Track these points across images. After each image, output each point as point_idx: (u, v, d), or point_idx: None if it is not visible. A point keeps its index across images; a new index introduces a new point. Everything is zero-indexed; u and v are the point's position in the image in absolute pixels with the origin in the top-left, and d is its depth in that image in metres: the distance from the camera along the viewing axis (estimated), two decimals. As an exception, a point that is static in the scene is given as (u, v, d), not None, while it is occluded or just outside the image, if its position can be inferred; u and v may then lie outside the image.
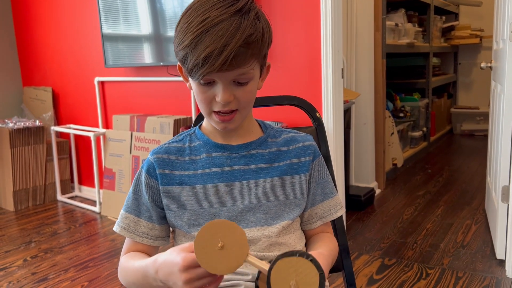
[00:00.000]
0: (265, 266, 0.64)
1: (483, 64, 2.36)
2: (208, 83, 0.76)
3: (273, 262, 0.63)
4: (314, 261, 0.63)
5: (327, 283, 0.91)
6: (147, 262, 0.75)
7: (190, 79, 0.79)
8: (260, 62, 0.78)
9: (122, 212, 0.86)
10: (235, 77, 0.75)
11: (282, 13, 2.22)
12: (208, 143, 0.85)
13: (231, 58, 0.70)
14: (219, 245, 0.63)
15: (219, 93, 0.75)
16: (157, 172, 0.83)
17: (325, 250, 0.82)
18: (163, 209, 0.85)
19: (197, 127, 0.89)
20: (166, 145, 0.86)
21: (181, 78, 2.60)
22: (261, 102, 1.08)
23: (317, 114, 1.09)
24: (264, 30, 0.75)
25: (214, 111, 0.78)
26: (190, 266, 0.65)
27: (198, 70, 0.72)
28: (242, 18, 0.72)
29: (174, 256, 0.68)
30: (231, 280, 0.82)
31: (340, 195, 2.26)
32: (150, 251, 0.86)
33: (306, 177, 0.86)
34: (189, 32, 0.72)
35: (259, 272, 0.68)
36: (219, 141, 0.85)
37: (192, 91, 2.51)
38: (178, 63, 0.82)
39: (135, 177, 0.86)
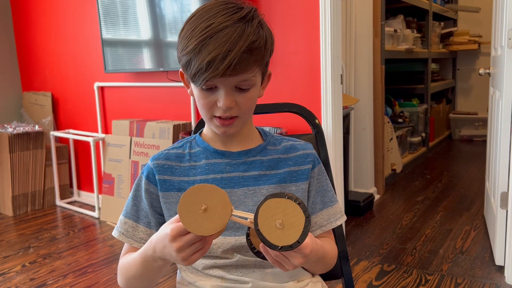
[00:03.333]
0: (251, 217, 0.67)
1: (481, 71, 2.37)
2: (210, 89, 0.76)
3: (262, 201, 0.66)
4: (301, 204, 0.66)
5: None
6: (144, 246, 0.77)
7: (192, 84, 0.79)
8: (262, 69, 0.79)
9: (121, 217, 0.87)
10: (237, 83, 0.75)
11: (282, 19, 2.23)
12: (208, 150, 0.86)
13: (235, 63, 0.71)
14: (203, 207, 0.65)
15: (221, 99, 0.76)
16: (157, 178, 0.84)
17: (319, 241, 0.82)
18: (162, 215, 0.85)
19: (198, 134, 0.89)
20: (166, 152, 0.87)
21: (180, 84, 2.61)
22: (261, 109, 1.09)
23: (317, 121, 1.09)
24: (267, 38, 0.77)
25: (215, 116, 0.78)
26: (179, 235, 0.67)
27: (201, 75, 0.72)
28: (246, 25, 0.73)
29: (164, 230, 0.70)
30: (231, 289, 0.82)
31: (339, 201, 2.26)
32: None
33: (306, 185, 0.86)
34: (193, 38, 0.73)
35: (249, 228, 0.72)
36: (219, 147, 0.85)
37: (192, 97, 2.51)
38: (180, 69, 0.83)
39: (135, 182, 0.87)
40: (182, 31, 0.77)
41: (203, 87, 0.76)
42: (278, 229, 0.65)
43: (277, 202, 0.66)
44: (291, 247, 0.64)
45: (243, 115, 0.79)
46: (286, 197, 0.66)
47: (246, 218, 0.68)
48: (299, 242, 0.65)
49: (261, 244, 0.68)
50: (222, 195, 0.66)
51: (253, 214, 0.67)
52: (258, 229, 0.65)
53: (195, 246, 0.68)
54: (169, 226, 0.69)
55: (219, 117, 0.78)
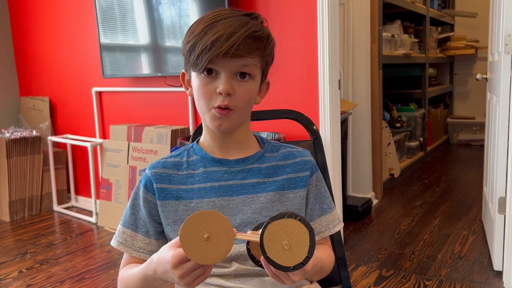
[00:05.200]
0: (256, 238, 0.66)
1: (478, 76, 2.37)
2: (211, 75, 0.77)
3: (263, 227, 0.65)
4: (302, 220, 0.66)
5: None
6: (144, 265, 0.76)
7: (193, 76, 0.81)
8: (262, 66, 0.81)
9: (119, 226, 0.86)
10: (238, 68, 0.77)
11: (280, 25, 2.24)
12: (205, 158, 0.85)
13: (238, 43, 0.74)
14: (205, 236, 0.64)
15: (221, 84, 0.77)
16: (154, 186, 0.83)
17: (317, 252, 0.82)
18: (160, 223, 0.85)
19: (195, 142, 0.89)
20: (163, 160, 0.87)
21: (178, 89, 2.62)
22: (259, 115, 1.09)
23: (314, 128, 1.10)
24: (269, 35, 0.81)
25: (213, 107, 0.79)
26: (181, 262, 0.67)
27: (205, 55, 0.75)
28: (250, 19, 0.78)
29: (165, 254, 0.70)
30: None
31: (338, 206, 2.26)
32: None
33: (304, 192, 0.86)
34: (199, 25, 0.77)
35: (248, 242, 0.71)
36: (217, 155, 0.85)
37: (190, 99, 2.51)
38: (182, 70, 0.85)
39: (133, 191, 0.87)
40: (188, 30, 0.80)
41: (205, 73, 0.77)
42: (286, 251, 0.64)
43: (278, 224, 0.65)
44: (302, 264, 0.65)
45: (239, 109, 0.79)
46: (286, 216, 0.66)
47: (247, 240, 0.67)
48: (309, 257, 0.65)
49: (262, 257, 0.68)
50: (224, 222, 0.65)
51: (255, 235, 0.66)
52: (268, 256, 0.64)
53: (197, 271, 0.68)
54: (170, 252, 0.68)
55: (217, 107, 0.78)
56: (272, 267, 0.67)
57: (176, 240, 0.70)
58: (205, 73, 0.77)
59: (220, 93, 0.77)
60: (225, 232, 0.65)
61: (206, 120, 0.82)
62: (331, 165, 2.18)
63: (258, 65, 0.79)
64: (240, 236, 0.67)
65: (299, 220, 0.66)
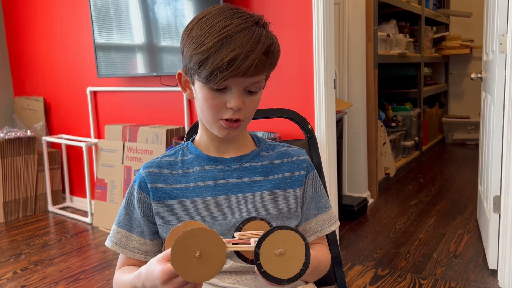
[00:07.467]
0: (247, 247, 0.65)
1: (473, 75, 2.38)
2: (221, 90, 0.76)
3: (256, 245, 0.63)
4: (283, 227, 0.64)
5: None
6: (133, 276, 0.75)
7: (196, 85, 0.78)
8: (268, 75, 0.80)
9: (114, 226, 0.86)
10: (249, 85, 0.76)
11: (275, 24, 2.23)
12: (200, 156, 0.85)
13: (255, 64, 0.72)
14: (197, 254, 0.62)
15: (233, 100, 0.75)
16: (149, 186, 0.82)
17: (313, 252, 0.82)
18: (155, 224, 0.84)
19: (190, 141, 0.88)
20: (158, 159, 0.86)
21: (173, 89, 2.62)
22: (255, 114, 1.08)
23: (309, 127, 1.09)
24: (278, 45, 0.78)
25: (222, 118, 0.77)
26: (170, 278, 0.65)
27: (220, 73, 0.71)
28: (261, 29, 0.75)
29: (153, 269, 0.68)
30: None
31: (333, 205, 2.26)
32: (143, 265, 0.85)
33: (300, 191, 0.86)
34: (211, 36, 0.72)
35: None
36: (213, 154, 0.85)
37: (186, 99, 2.49)
38: (180, 71, 0.82)
39: (127, 191, 0.86)
40: (192, 30, 0.75)
41: (215, 87, 0.75)
42: (282, 262, 0.63)
43: (274, 237, 0.64)
44: (303, 270, 0.64)
45: (246, 119, 0.80)
46: (277, 229, 0.64)
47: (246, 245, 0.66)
48: (307, 261, 0.64)
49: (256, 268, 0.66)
50: (212, 235, 0.63)
51: (247, 243, 0.65)
52: (272, 276, 0.63)
53: (188, 286, 0.66)
54: (159, 267, 0.66)
55: (226, 120, 0.77)
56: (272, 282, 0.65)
57: (164, 253, 0.68)
58: (215, 87, 0.75)
59: (231, 108, 0.76)
60: (216, 246, 0.63)
61: (212, 129, 0.81)
62: (326, 164, 2.18)
63: (266, 76, 0.79)
64: (231, 247, 0.65)
65: (290, 230, 0.64)
